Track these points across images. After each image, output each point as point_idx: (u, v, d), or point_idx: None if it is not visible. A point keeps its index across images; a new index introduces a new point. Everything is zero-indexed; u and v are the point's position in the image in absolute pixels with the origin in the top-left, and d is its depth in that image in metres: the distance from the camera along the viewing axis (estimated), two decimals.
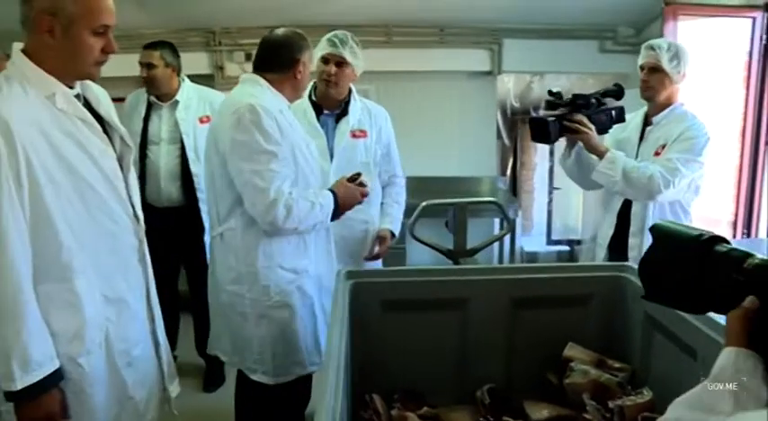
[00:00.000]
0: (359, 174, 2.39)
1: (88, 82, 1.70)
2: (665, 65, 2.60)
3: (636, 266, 2.10)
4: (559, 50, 4.59)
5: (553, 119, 2.58)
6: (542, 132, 2.59)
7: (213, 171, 2.23)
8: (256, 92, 2.19)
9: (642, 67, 2.68)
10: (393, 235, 2.81)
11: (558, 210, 5.93)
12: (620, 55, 4.47)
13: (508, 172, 5.69)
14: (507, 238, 4.57)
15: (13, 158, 1.45)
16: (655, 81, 2.65)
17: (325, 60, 2.68)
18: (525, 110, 5.55)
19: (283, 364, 2.28)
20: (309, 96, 2.79)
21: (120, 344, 1.71)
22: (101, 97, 1.77)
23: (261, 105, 2.11)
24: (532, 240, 5.99)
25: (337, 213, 2.28)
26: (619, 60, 4.42)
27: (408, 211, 2.97)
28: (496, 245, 4.84)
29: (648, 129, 2.75)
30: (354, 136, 2.79)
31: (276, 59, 2.25)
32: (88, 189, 1.60)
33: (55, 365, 1.54)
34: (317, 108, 2.78)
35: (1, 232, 1.45)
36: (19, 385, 1.48)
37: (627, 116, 2.74)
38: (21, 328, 1.47)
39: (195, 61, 4.48)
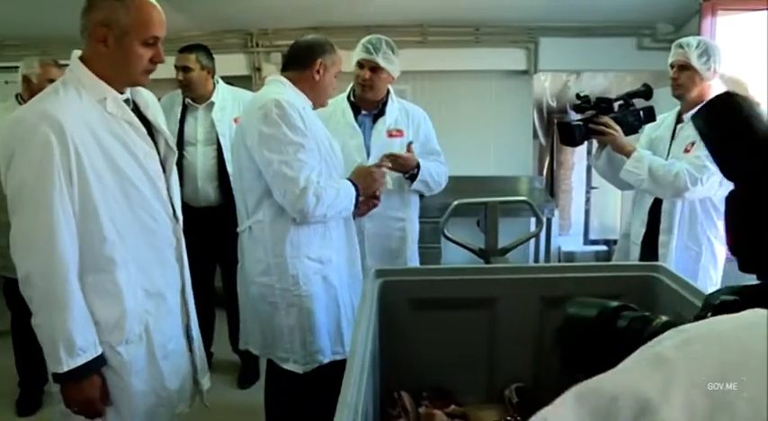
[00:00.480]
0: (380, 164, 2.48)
1: (138, 87, 1.81)
2: (695, 62, 2.59)
3: (666, 265, 2.10)
4: (596, 48, 4.54)
5: (578, 122, 2.64)
6: (568, 135, 2.66)
7: (241, 166, 2.32)
8: (280, 90, 2.28)
9: (672, 66, 2.69)
10: (417, 166, 2.79)
11: (595, 210, 5.85)
12: (658, 52, 4.35)
13: (545, 171, 5.63)
14: (543, 238, 4.56)
15: (66, 156, 1.56)
16: (684, 78, 2.65)
17: (360, 65, 2.80)
18: (562, 109, 5.48)
19: (310, 353, 2.34)
20: (348, 97, 2.90)
21: (158, 336, 1.80)
22: (150, 102, 1.88)
23: (286, 100, 2.20)
24: (570, 240, 5.92)
25: (358, 198, 2.35)
26: (657, 58, 4.25)
27: (440, 211, 2.98)
28: (532, 244, 4.83)
29: (680, 126, 2.75)
30: (391, 135, 2.88)
31: (296, 59, 2.35)
32: (132, 188, 1.71)
33: (97, 351, 1.64)
34: (356, 108, 2.89)
35: (51, 225, 1.55)
36: (65, 367, 1.59)
37: (664, 114, 2.72)
38: (67, 316, 1.57)
39: (233, 63, 4.59)
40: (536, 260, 4.74)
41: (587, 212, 5.82)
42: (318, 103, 2.41)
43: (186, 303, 1.95)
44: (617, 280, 2.05)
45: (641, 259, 2.73)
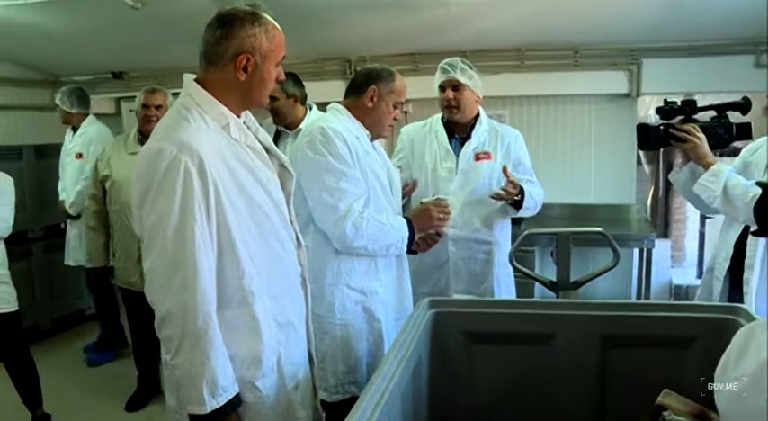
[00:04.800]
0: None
1: (247, 111, 1.78)
2: None
3: (747, 307, 1.92)
4: (706, 68, 4.25)
5: (659, 125, 2.48)
6: (646, 138, 2.52)
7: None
8: (333, 117, 2.30)
9: None
10: (521, 191, 2.73)
11: (711, 241, 5.49)
12: None
13: (649, 200, 5.35)
14: (656, 270, 4.30)
15: (205, 188, 1.52)
16: None
17: (442, 89, 2.83)
18: None
19: (341, 383, 2.32)
20: (442, 119, 2.93)
21: (289, 367, 1.76)
22: (258, 125, 1.84)
23: (331, 128, 2.21)
24: (685, 273, 5.59)
25: (413, 237, 2.31)
26: None
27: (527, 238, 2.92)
28: (634, 277, 4.58)
29: None
30: (478, 158, 2.87)
31: (354, 86, 2.36)
32: (261, 214, 1.66)
33: (236, 390, 1.59)
34: (450, 132, 2.91)
35: (194, 262, 1.50)
36: (208, 408, 1.52)
37: (765, 137, 2.50)
38: (211, 355, 1.51)
39: (333, 89, 4.66)
40: (638, 295, 4.50)
41: (701, 243, 5.48)
42: (375, 132, 2.38)
43: (308, 329, 1.89)
44: (689, 321, 1.91)
45: (724, 298, 2.50)
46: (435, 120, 2.97)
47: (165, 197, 1.50)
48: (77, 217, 4.50)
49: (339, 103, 2.38)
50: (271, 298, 1.69)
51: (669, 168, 5.54)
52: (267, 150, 1.77)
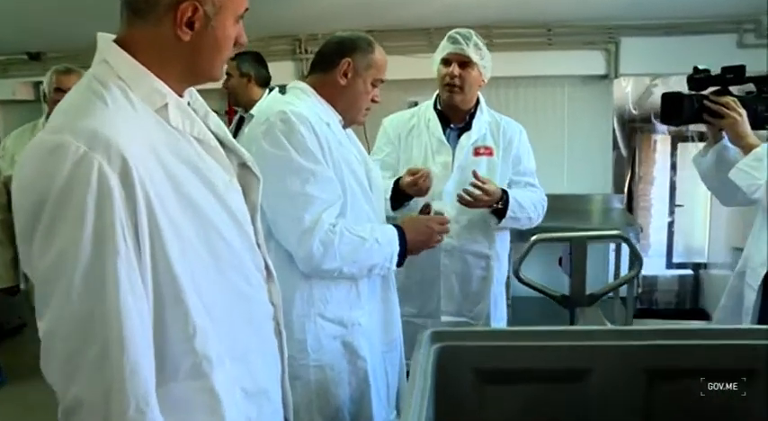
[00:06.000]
0: (428, 206, 2.00)
1: (192, 89, 1.27)
2: None
3: None
4: (687, 48, 4.00)
5: (691, 95, 2.13)
6: (674, 109, 2.13)
7: None
8: (296, 99, 1.81)
9: None
10: (504, 194, 2.32)
11: (680, 230, 5.36)
12: (765, 50, 3.81)
13: (625, 188, 5.16)
14: (624, 261, 4.05)
15: (132, 203, 1.01)
16: None
17: (446, 62, 2.36)
18: (645, 117, 5.04)
19: None
20: (435, 105, 2.47)
21: None
22: (208, 109, 1.32)
23: (295, 112, 1.71)
24: (650, 263, 5.44)
25: (404, 255, 1.86)
26: (763, 56, 3.76)
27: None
28: (611, 267, 4.33)
29: None
30: (478, 153, 2.43)
31: (322, 59, 1.87)
32: (217, 237, 1.16)
33: None
34: (443, 120, 2.44)
35: (119, 322, 0.99)
36: None
37: None
38: None
39: (281, 70, 4.29)
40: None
41: (671, 233, 5.37)
42: (350, 117, 1.89)
43: (285, 391, 1.42)
44: (746, 349, 1.58)
45: (757, 311, 2.17)
46: (425, 108, 2.51)
47: (67, 221, 0.98)
48: None
49: (303, 81, 1.89)
50: (234, 359, 1.20)
51: (633, 154, 5.38)
52: (222, 144, 1.26)
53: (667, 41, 4.07)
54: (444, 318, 2.39)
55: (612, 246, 4.22)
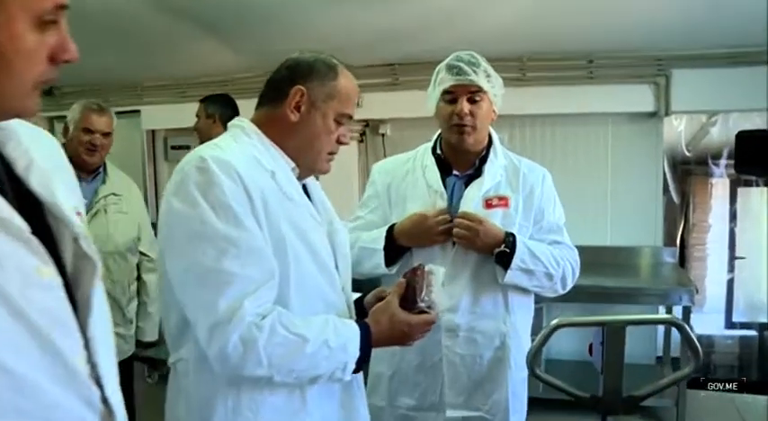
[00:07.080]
0: (419, 267, 1.51)
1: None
2: None
3: None
4: (749, 80, 3.56)
5: None
6: (759, 153, 1.69)
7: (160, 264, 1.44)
8: (231, 141, 1.42)
9: None
10: (510, 238, 1.90)
11: (741, 285, 4.85)
12: None
13: (678, 239, 4.71)
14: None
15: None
16: None
17: (449, 96, 1.94)
18: (701, 159, 4.62)
19: None
20: (433, 150, 2.05)
21: None
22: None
23: (219, 158, 1.30)
24: (706, 320, 4.95)
25: (368, 355, 1.41)
26: None
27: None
28: (661, 329, 3.80)
29: None
30: (489, 205, 1.98)
31: (268, 87, 1.46)
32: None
33: None
34: (444, 167, 2.03)
35: None
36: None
37: None
38: None
39: None
40: (665, 353, 3.83)
41: (730, 289, 4.86)
42: (307, 165, 1.48)
43: None
44: None
45: None
46: (423, 151, 2.08)
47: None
48: None
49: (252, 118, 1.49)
50: None
51: (685, 200, 4.94)
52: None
53: (728, 73, 3.65)
54: (450, 413, 1.90)
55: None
